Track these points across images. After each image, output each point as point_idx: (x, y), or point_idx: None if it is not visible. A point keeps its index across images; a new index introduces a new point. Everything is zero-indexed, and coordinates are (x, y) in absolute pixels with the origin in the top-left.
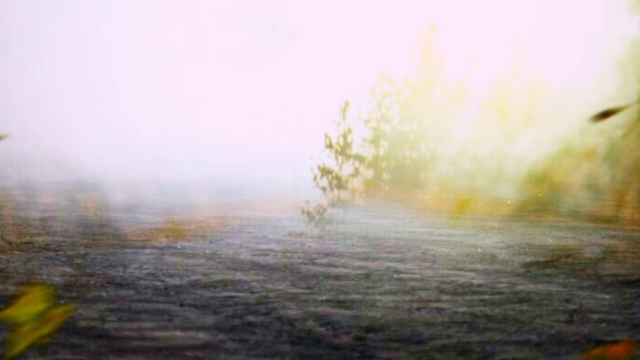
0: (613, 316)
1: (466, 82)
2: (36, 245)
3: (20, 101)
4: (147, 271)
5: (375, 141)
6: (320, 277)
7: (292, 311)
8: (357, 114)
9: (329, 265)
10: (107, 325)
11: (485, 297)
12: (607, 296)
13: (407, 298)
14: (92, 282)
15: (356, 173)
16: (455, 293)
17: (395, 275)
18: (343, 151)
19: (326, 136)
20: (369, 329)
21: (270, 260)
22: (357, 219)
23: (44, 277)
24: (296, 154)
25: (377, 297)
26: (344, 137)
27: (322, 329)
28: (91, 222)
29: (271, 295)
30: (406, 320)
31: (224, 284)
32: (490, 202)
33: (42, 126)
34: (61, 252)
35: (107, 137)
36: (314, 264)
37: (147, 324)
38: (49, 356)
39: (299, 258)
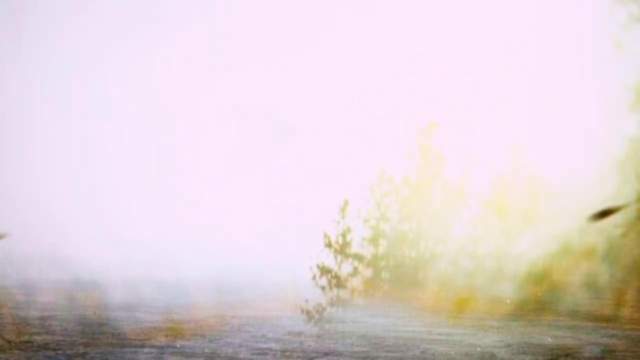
0: None
1: (465, 181)
2: (35, 344)
3: (20, 199)
4: None
5: (374, 240)
6: None
7: None
8: (356, 213)
9: None
10: None
11: None
12: None
13: None
14: None
15: (355, 272)
16: None
17: None
18: (342, 250)
19: (325, 235)
20: None
21: (269, 359)
22: (357, 318)
23: None
24: (295, 253)
25: None
26: (343, 236)
27: None
28: (90, 321)
29: None
30: None
31: None
32: (490, 301)
33: (42, 224)
34: (60, 352)
35: (106, 235)
36: None
37: None
38: None
39: (298, 357)
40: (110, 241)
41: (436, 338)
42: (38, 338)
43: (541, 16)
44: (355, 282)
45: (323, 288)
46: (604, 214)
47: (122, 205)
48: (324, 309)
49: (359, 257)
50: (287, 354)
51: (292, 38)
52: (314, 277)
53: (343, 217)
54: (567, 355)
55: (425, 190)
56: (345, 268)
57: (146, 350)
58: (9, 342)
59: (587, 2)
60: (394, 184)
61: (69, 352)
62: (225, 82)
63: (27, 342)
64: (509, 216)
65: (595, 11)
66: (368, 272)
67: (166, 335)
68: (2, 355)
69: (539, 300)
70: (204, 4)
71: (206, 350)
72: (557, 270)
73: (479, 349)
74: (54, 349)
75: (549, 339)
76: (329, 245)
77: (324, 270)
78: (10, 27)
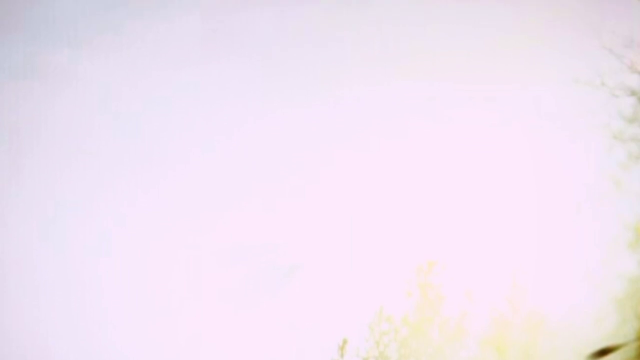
0: None
1: (464, 319)
2: None
3: (19, 338)
4: None
5: None
6: None
7: None
8: (355, 352)
9: None
10: None
11: None
12: None
13: None
14: None
15: None
16: None
17: None
18: None
19: None
20: None
21: None
22: None
23: None
24: None
25: None
26: None
27: None
28: None
29: None
30: None
31: None
32: None
33: None
34: None
35: None
36: None
37: None
38: None
39: None
40: None
41: None
42: None
43: (541, 154)
44: None
45: None
46: (603, 352)
47: (119, 346)
48: None
49: None
50: None
51: (291, 178)
52: None
53: (342, 355)
54: None
55: (424, 329)
56: None
57: None
58: None
59: (586, 140)
60: (393, 322)
61: None
62: (224, 222)
63: None
64: (508, 355)
65: (595, 150)
66: None
67: None
68: None
69: None
70: (203, 145)
71: None
72: None
73: None
74: None
75: None
76: None
77: None
78: (10, 168)
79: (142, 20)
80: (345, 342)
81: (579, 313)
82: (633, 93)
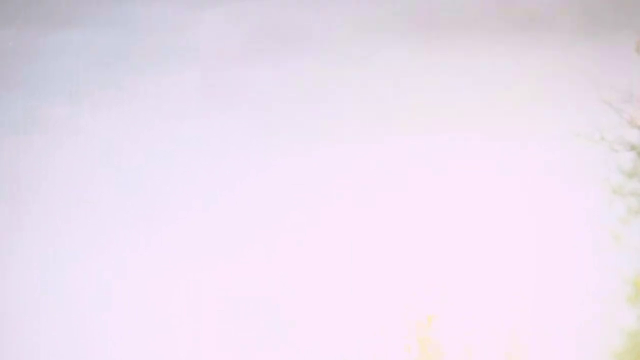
0: None
1: None
2: None
3: None
4: None
5: None
6: None
7: None
8: None
9: None
10: None
11: None
12: None
13: None
14: None
15: None
16: None
17: None
18: None
19: None
20: None
21: None
22: None
23: None
24: None
25: None
26: None
27: None
28: None
29: None
30: None
31: None
32: None
33: None
34: None
35: None
36: None
37: None
38: None
39: None
40: None
41: None
42: None
43: (541, 209)
44: None
45: None
46: None
47: None
48: None
49: None
50: None
51: (292, 230)
52: None
53: None
54: None
55: None
56: None
57: None
58: None
59: (586, 195)
60: None
61: None
62: (226, 274)
63: None
64: None
65: (594, 204)
66: None
67: None
68: None
69: None
70: (205, 197)
71: None
72: None
73: None
74: None
75: None
76: None
77: None
78: (11, 221)
79: (142, 75)
80: None
81: None
82: (632, 148)
